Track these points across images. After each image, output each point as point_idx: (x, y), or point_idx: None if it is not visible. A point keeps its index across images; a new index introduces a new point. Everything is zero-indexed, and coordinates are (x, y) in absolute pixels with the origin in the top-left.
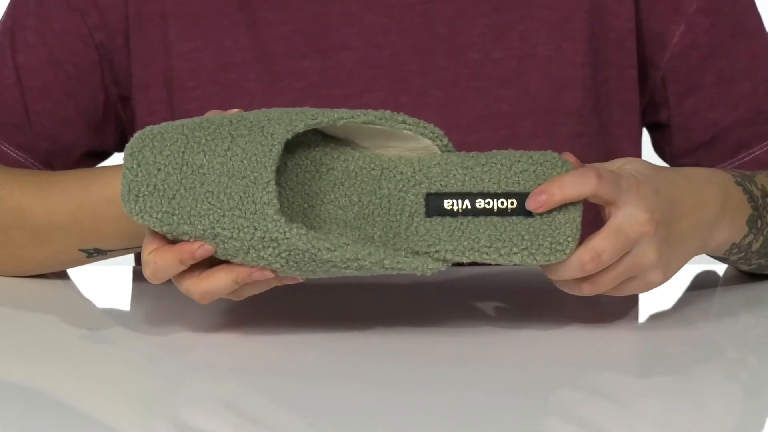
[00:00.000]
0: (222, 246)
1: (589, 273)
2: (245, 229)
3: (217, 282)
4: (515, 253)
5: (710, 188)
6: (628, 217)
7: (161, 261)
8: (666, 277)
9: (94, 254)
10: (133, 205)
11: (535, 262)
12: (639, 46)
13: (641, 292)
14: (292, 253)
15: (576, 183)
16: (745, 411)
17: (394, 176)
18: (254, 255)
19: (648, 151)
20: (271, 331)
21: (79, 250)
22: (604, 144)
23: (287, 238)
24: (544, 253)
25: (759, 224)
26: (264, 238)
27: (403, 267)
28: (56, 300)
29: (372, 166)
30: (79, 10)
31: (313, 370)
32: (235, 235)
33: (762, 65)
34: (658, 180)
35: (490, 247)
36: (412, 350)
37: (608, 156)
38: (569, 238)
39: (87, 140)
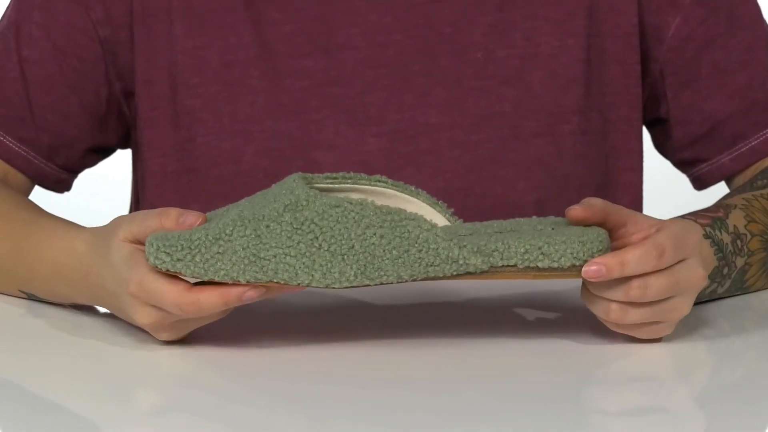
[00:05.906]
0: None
1: (631, 299)
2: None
3: (208, 300)
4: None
5: None
6: (688, 269)
7: (205, 299)
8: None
9: (34, 297)
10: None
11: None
12: (639, 41)
13: (651, 337)
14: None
15: (637, 264)
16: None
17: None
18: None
19: (649, 149)
20: (270, 332)
21: (20, 290)
22: (607, 141)
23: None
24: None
25: (725, 271)
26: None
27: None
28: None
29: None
30: (84, 5)
31: (313, 371)
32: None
33: (757, 56)
34: None
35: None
36: (413, 352)
37: (611, 154)
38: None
39: (90, 135)
